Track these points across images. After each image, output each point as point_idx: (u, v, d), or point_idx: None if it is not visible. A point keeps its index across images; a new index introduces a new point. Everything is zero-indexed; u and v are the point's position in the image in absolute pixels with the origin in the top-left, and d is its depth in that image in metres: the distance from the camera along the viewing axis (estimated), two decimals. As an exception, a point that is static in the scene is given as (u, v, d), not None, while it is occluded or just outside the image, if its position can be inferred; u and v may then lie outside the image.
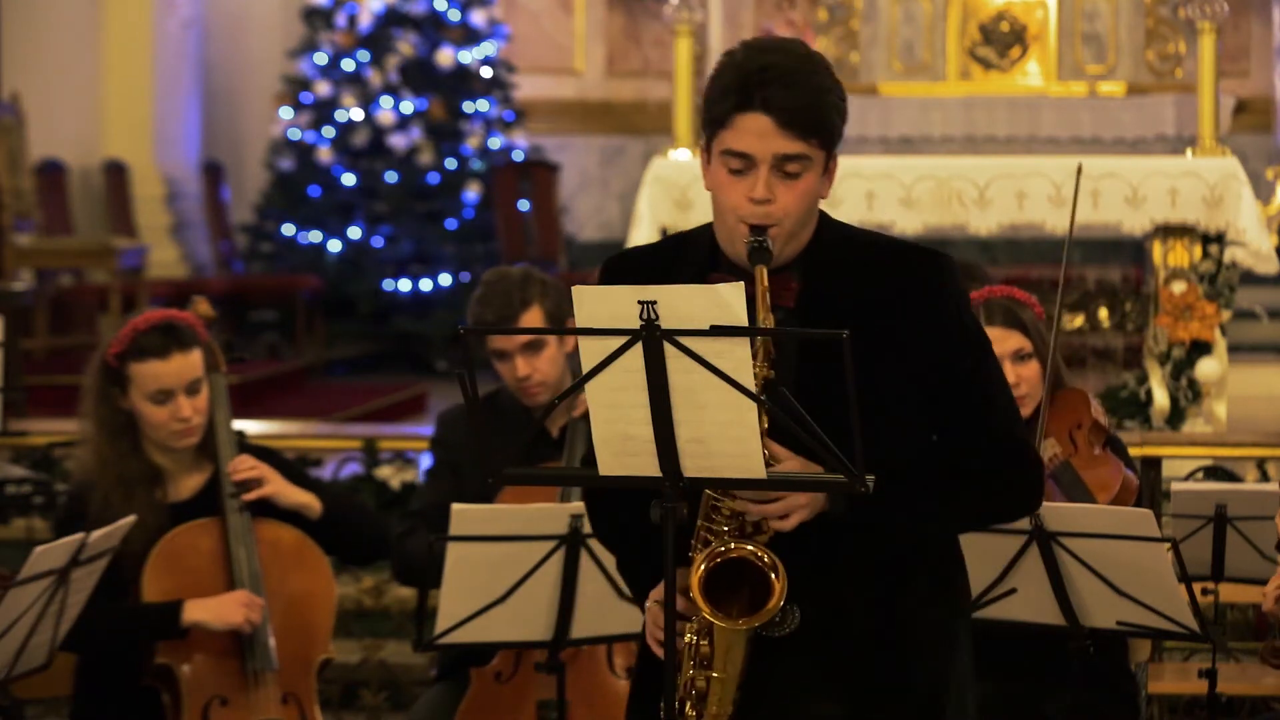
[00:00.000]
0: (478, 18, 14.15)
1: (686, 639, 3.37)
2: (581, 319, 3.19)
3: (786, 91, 3.32)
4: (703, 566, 3.31)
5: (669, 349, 3.15)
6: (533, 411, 5.18)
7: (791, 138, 3.33)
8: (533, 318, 5.18)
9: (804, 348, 3.35)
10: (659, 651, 3.37)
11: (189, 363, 4.95)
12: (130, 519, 4.70)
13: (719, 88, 3.37)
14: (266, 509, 5.02)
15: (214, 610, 4.87)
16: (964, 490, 3.44)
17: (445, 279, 13.84)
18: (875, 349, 3.31)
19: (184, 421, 4.94)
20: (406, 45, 13.94)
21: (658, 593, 3.40)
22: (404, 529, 5.23)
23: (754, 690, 3.40)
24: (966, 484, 3.43)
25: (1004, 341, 4.94)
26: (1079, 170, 5.47)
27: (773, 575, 3.28)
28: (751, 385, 3.16)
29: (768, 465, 3.22)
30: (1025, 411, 4.97)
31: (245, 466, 5.01)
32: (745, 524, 3.33)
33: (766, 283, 3.30)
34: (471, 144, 13.98)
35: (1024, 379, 4.95)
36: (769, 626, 3.37)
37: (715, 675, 3.36)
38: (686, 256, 3.48)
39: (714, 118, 3.38)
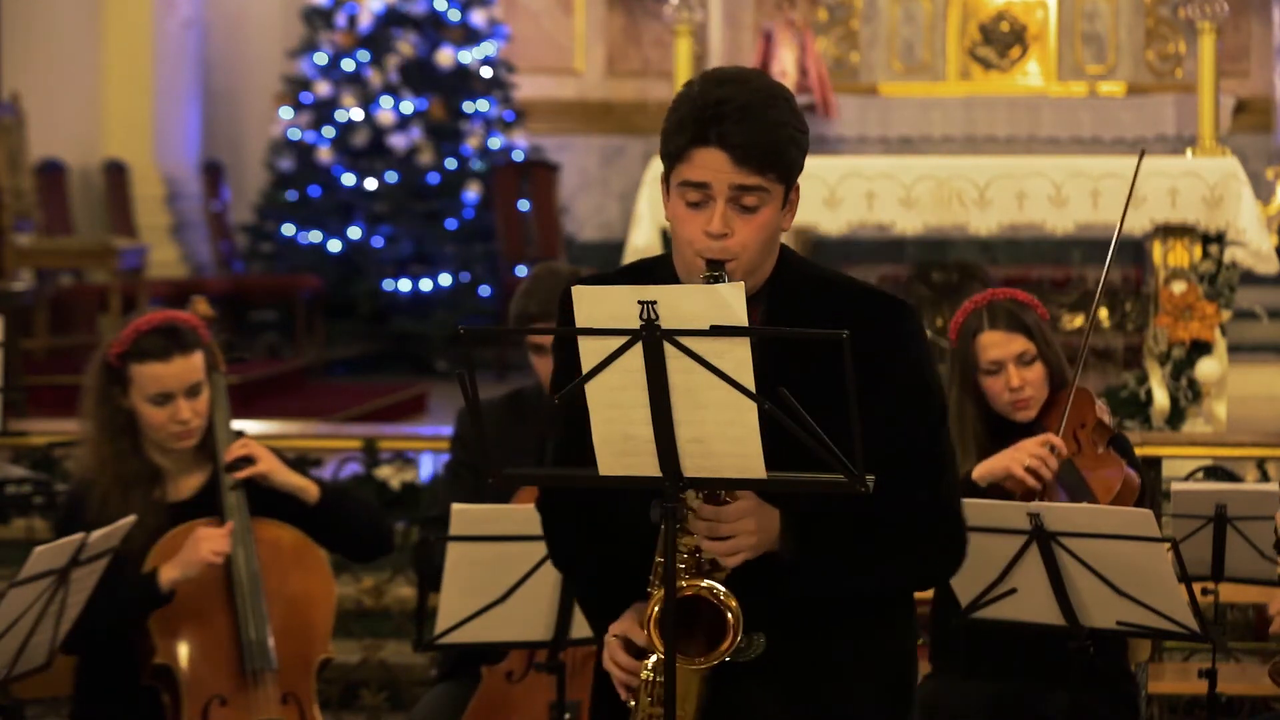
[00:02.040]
0: (478, 18, 14.15)
1: (644, 675, 3.37)
2: (581, 319, 3.18)
3: (741, 127, 3.31)
4: (657, 607, 3.30)
5: (669, 349, 3.14)
6: None
7: (747, 172, 3.32)
8: None
9: (761, 376, 3.24)
10: (619, 678, 3.40)
11: (190, 365, 4.94)
12: (130, 519, 4.70)
13: (675, 122, 3.36)
14: (263, 501, 5.02)
15: (182, 561, 4.84)
16: (892, 555, 3.42)
17: (445, 279, 13.84)
18: (833, 390, 3.20)
19: (182, 424, 4.94)
20: (406, 45, 13.94)
21: (617, 626, 3.42)
22: (427, 536, 5.21)
23: (715, 715, 3.40)
24: (896, 549, 3.42)
25: (1008, 345, 4.94)
26: (1140, 157, 5.42)
27: (729, 615, 3.27)
28: (751, 385, 3.15)
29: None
30: (1030, 414, 4.97)
31: (238, 445, 5.01)
32: (702, 560, 3.32)
33: None
34: (471, 144, 13.98)
35: (1029, 382, 4.95)
36: (738, 653, 3.35)
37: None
38: (651, 277, 3.42)
39: (670, 152, 3.38)
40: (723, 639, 3.29)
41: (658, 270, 3.49)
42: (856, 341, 3.22)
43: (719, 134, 3.31)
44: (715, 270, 3.32)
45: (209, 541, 4.84)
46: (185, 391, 4.93)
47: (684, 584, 3.30)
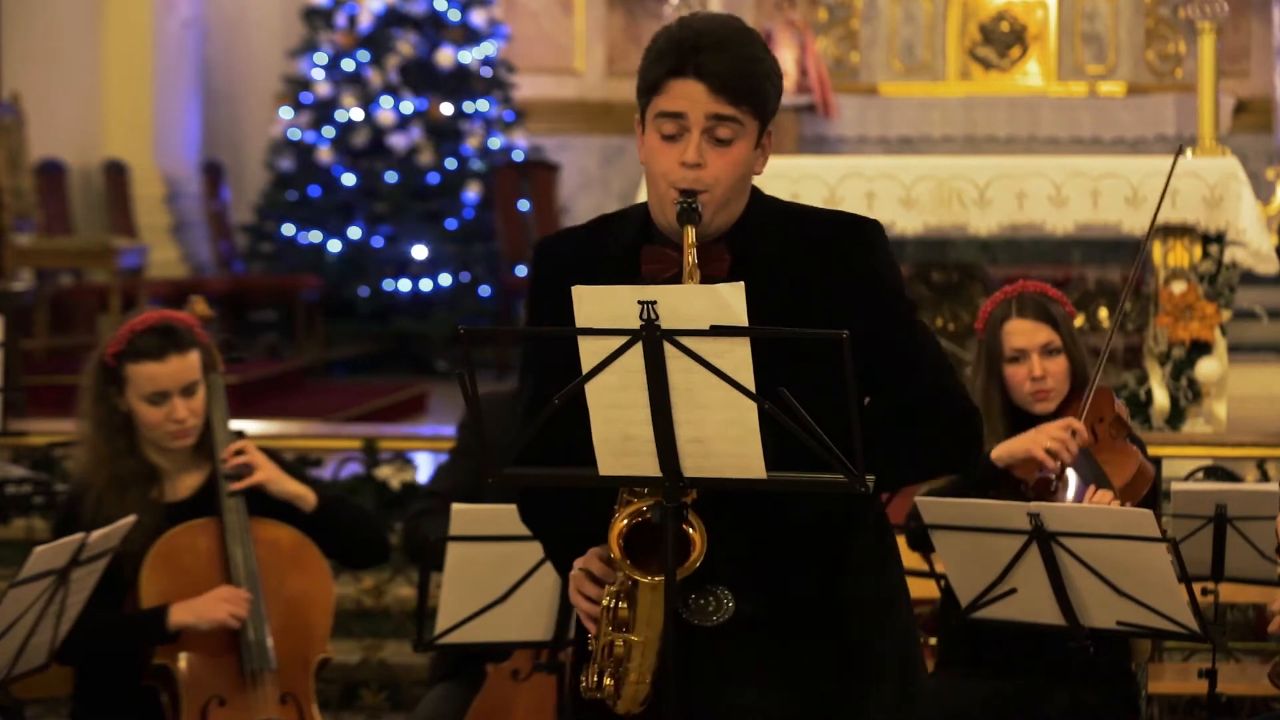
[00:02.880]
0: (478, 18, 14.15)
1: (605, 602, 3.35)
2: (581, 319, 3.19)
3: (719, 57, 3.35)
4: (624, 522, 3.28)
5: (669, 349, 3.15)
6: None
7: (724, 102, 3.36)
8: None
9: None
10: (583, 608, 3.39)
11: (185, 365, 4.94)
12: (131, 519, 4.70)
13: (654, 55, 3.40)
14: (262, 502, 5.01)
15: (198, 610, 4.85)
16: (900, 439, 3.42)
17: (445, 279, 13.84)
18: (807, 318, 3.31)
19: (178, 423, 4.93)
20: (406, 45, 13.94)
21: (581, 561, 3.41)
22: (422, 507, 5.24)
23: (687, 677, 3.37)
24: (902, 433, 3.43)
25: (1034, 334, 4.98)
26: (1176, 155, 5.46)
27: (691, 530, 3.25)
28: (751, 385, 3.15)
29: None
30: (1049, 406, 4.99)
31: (235, 451, 5.00)
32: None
33: (693, 240, 3.31)
34: (471, 144, 13.98)
35: (1051, 373, 4.97)
36: (701, 615, 3.35)
37: (634, 639, 3.34)
38: (619, 232, 3.49)
39: (648, 85, 3.41)
40: (688, 556, 3.25)
41: (628, 218, 3.51)
42: (826, 262, 3.40)
43: (696, 64, 3.35)
44: (689, 199, 3.34)
45: (231, 605, 4.87)
46: (181, 391, 4.93)
47: (644, 507, 3.28)
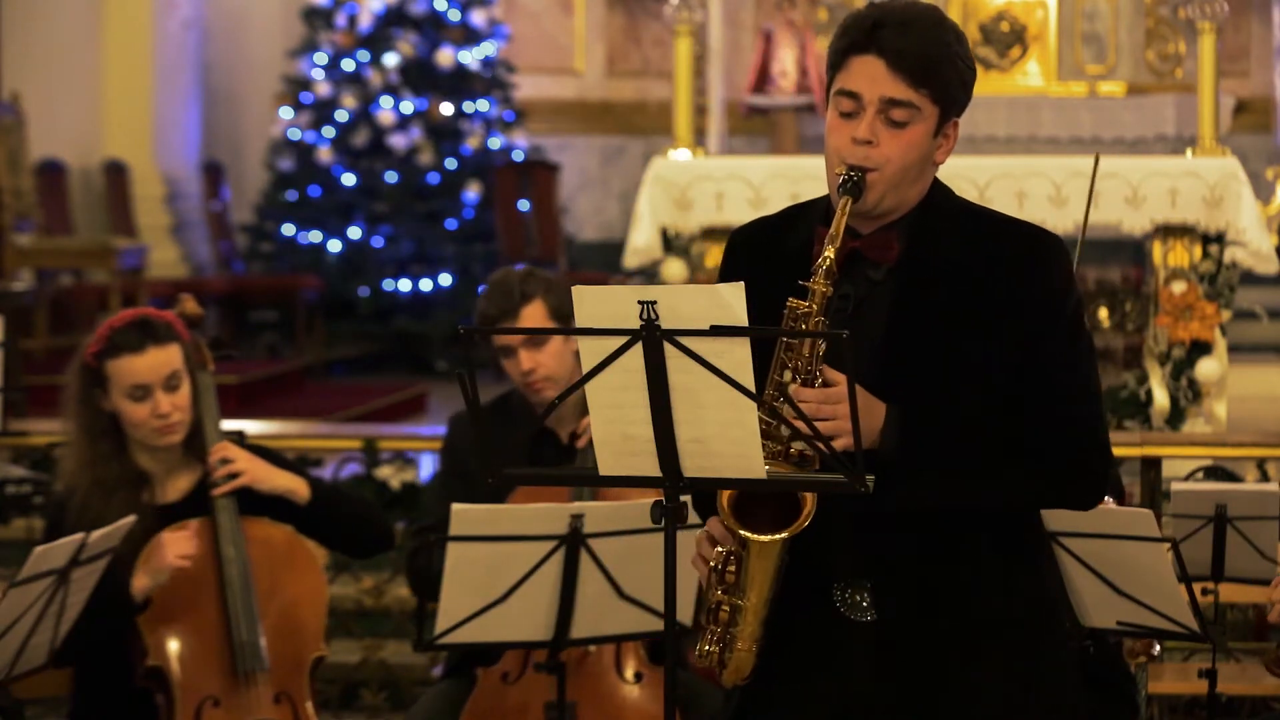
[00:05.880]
0: (478, 18, 14.15)
1: (713, 563, 3.34)
2: (582, 319, 3.19)
3: (901, 36, 3.32)
4: (729, 493, 3.27)
5: (669, 349, 3.14)
6: (539, 410, 5.16)
7: (900, 82, 3.32)
8: (534, 311, 5.18)
9: (897, 303, 3.35)
10: (698, 569, 3.37)
11: (165, 357, 4.92)
12: (131, 519, 4.68)
13: (840, 31, 3.39)
14: (256, 500, 5.00)
15: (151, 570, 4.80)
16: (1011, 466, 3.35)
17: (445, 279, 13.84)
18: (969, 318, 3.32)
19: (163, 418, 4.90)
20: (406, 45, 13.94)
21: (708, 524, 3.38)
22: (418, 544, 5.19)
23: (817, 671, 3.38)
24: (1025, 461, 3.35)
25: None
26: (1096, 160, 5.48)
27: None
28: (751, 385, 3.16)
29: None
30: None
31: (219, 456, 4.97)
32: (790, 450, 3.28)
33: (847, 213, 3.28)
34: (471, 144, 13.98)
35: None
36: (855, 610, 3.36)
37: (740, 602, 3.32)
38: (805, 217, 3.47)
39: (832, 61, 3.40)
40: (797, 516, 3.24)
41: (815, 206, 3.49)
42: (994, 271, 3.34)
43: (877, 40, 3.33)
44: (854, 173, 3.31)
45: (174, 545, 4.81)
46: (162, 384, 4.90)
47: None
